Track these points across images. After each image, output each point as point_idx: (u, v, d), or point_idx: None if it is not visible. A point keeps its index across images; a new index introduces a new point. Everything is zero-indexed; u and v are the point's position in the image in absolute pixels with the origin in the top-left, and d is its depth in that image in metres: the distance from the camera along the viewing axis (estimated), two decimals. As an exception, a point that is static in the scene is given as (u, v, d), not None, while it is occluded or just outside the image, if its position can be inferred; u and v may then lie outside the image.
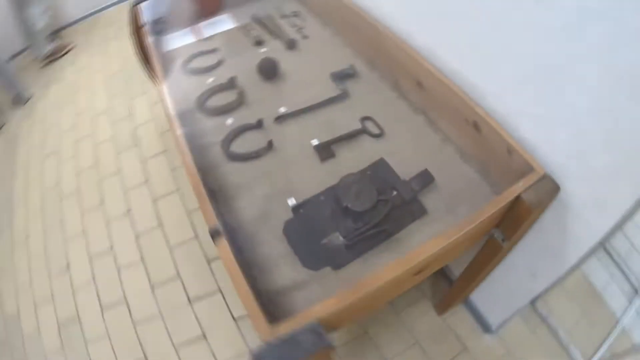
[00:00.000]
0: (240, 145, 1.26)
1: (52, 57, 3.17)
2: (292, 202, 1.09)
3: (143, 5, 1.71)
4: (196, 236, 1.99)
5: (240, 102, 1.39)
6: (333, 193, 1.06)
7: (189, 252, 1.94)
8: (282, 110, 1.35)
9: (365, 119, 1.30)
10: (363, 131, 1.26)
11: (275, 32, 1.69)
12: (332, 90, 1.40)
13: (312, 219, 1.04)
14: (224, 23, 1.77)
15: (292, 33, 1.68)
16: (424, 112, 1.29)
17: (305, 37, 1.65)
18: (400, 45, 1.30)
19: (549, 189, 0.93)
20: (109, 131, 2.51)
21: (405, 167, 1.12)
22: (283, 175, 1.17)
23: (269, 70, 1.46)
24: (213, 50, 1.62)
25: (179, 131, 1.18)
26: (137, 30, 1.73)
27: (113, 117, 2.59)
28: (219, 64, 1.56)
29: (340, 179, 1.05)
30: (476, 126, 1.07)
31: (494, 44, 0.99)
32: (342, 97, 1.38)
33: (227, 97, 1.41)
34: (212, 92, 1.43)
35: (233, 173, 1.19)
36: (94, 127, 2.55)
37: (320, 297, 0.81)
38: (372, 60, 1.48)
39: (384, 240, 0.98)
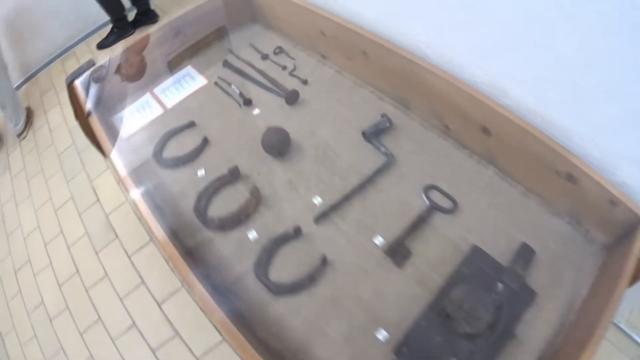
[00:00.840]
0: (282, 270, 0.92)
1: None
2: (383, 335, 0.81)
3: (79, 82, 1.29)
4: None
5: (256, 203, 1.03)
6: (436, 314, 0.81)
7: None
8: (318, 202, 1.01)
9: (428, 189, 0.99)
10: (432, 208, 0.95)
11: (263, 82, 1.31)
12: (370, 157, 1.07)
13: (421, 355, 0.78)
14: (188, 81, 1.38)
15: (285, 79, 1.30)
16: (493, 162, 1.03)
17: (304, 82, 1.29)
18: (451, 81, 0.98)
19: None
20: (79, 226, 2.09)
21: (495, 243, 0.90)
22: (356, 300, 0.86)
23: (279, 146, 1.10)
24: (189, 125, 1.23)
25: (190, 275, 0.83)
26: (80, 113, 1.31)
27: (79, 206, 2.17)
28: (204, 144, 1.18)
29: (444, 296, 0.82)
30: (570, 177, 0.87)
31: (588, 76, 0.77)
32: (388, 163, 1.05)
33: (235, 196, 1.05)
34: (211, 192, 1.07)
35: (288, 314, 0.85)
36: (60, 223, 2.13)
37: None
38: (406, 102, 1.16)
39: (505, 344, 0.78)
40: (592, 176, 0.83)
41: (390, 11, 1.08)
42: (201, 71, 1.38)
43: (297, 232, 0.96)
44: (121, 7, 2.69)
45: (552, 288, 0.84)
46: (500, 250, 0.88)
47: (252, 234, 0.98)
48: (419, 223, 0.94)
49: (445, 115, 1.07)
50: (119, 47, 1.33)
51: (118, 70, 1.31)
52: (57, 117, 2.63)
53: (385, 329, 0.82)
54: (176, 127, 1.23)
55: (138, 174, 1.08)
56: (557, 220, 0.93)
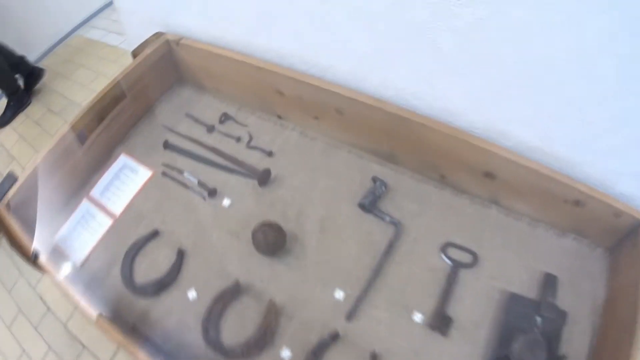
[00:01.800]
0: None
1: None
2: None
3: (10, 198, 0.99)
4: None
5: (276, 317, 0.91)
6: None
7: None
8: (341, 296, 0.91)
9: (445, 248, 0.96)
10: (455, 266, 0.93)
11: (222, 163, 1.14)
12: (375, 229, 1.00)
13: None
14: (128, 174, 1.15)
15: (244, 154, 1.15)
16: (495, 202, 1.02)
17: (269, 153, 1.15)
18: (446, 132, 0.95)
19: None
20: (40, 342, 1.67)
21: (521, 281, 0.91)
22: None
23: (277, 244, 0.97)
24: (152, 236, 1.03)
25: None
26: (16, 243, 1.03)
27: (32, 319, 1.74)
28: (180, 257, 0.99)
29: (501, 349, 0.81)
30: (577, 203, 0.90)
31: (593, 112, 0.80)
32: (398, 232, 0.99)
33: (246, 314, 0.90)
34: (217, 317, 0.90)
35: None
36: (19, 342, 1.70)
37: None
38: (393, 157, 1.09)
39: None
40: (598, 197, 0.87)
41: (368, 63, 0.99)
42: (139, 159, 1.17)
43: (334, 337, 0.85)
44: (13, 80, 2.34)
45: (576, 300, 0.88)
46: (528, 286, 0.90)
47: (286, 353, 0.85)
48: (449, 286, 0.91)
49: (441, 165, 1.02)
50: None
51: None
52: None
53: None
54: (137, 240, 1.02)
55: (115, 311, 0.90)
56: (564, 239, 0.97)
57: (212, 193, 1.08)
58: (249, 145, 1.16)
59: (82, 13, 2.86)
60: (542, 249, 0.95)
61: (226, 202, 1.07)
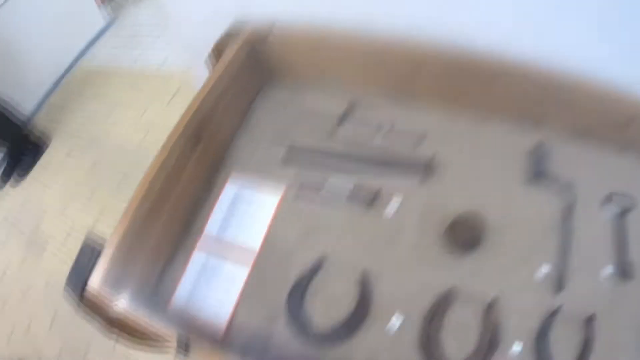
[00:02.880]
0: None
1: None
2: None
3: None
4: None
5: (492, 316, 0.72)
6: None
7: None
8: (545, 271, 0.78)
9: (613, 198, 0.83)
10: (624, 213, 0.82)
11: (361, 164, 0.92)
12: (546, 200, 0.84)
13: None
14: (249, 204, 0.92)
15: (387, 147, 0.93)
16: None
17: (420, 138, 0.93)
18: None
19: None
20: None
21: None
22: None
23: (477, 237, 0.79)
24: (317, 267, 0.81)
25: None
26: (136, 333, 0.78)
27: None
28: (365, 285, 0.78)
29: None
30: None
31: None
32: (569, 197, 0.84)
33: (464, 320, 0.75)
34: (434, 336, 0.72)
35: None
36: None
37: None
38: (540, 123, 0.91)
39: None
40: None
41: (524, 23, 0.80)
42: (254, 186, 0.94)
43: (554, 314, 0.73)
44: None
45: None
46: None
47: (516, 348, 0.72)
48: (623, 234, 0.80)
49: (588, 123, 0.88)
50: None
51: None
52: None
53: None
54: (298, 279, 0.80)
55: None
56: None
57: (370, 200, 0.85)
58: (388, 137, 0.92)
59: (80, 42, 2.56)
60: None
61: (391, 207, 0.85)
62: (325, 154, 0.94)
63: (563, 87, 0.83)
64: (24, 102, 2.21)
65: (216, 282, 0.84)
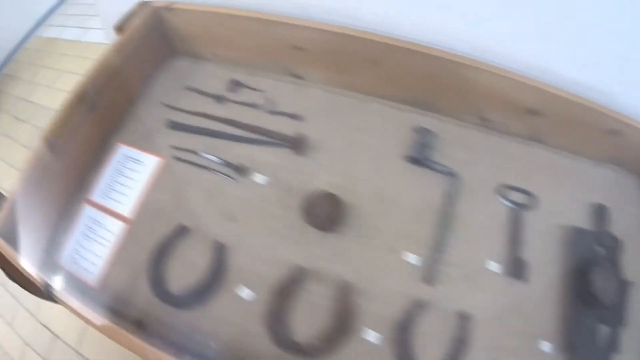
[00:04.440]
0: (430, 351, 0.71)
1: None
2: (547, 346, 0.75)
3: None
4: None
5: (345, 297, 0.78)
6: (581, 301, 0.79)
7: None
8: (414, 260, 0.81)
9: (502, 191, 0.90)
10: (517, 209, 0.88)
11: (244, 135, 0.99)
12: (429, 182, 0.91)
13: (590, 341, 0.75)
14: (133, 166, 0.98)
15: (268, 122, 1.00)
16: (538, 139, 0.97)
17: (296, 117, 1.01)
18: (494, 71, 0.87)
19: None
20: None
21: (577, 215, 0.88)
22: (511, 331, 0.77)
23: (336, 216, 0.84)
24: (180, 232, 0.87)
25: None
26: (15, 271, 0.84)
27: (39, 350, 1.56)
28: (220, 252, 0.84)
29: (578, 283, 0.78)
30: (615, 132, 0.88)
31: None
32: (453, 182, 0.90)
33: (314, 301, 0.79)
34: (281, 312, 0.78)
35: None
36: None
37: None
38: (432, 106, 0.99)
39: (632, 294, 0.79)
40: (634, 123, 0.85)
41: (401, 3, 0.86)
42: (141, 146, 1.00)
43: (419, 306, 0.76)
44: None
45: (628, 229, 0.86)
46: (583, 218, 0.87)
47: (372, 335, 0.75)
48: (515, 230, 0.85)
49: (484, 107, 0.94)
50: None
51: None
52: None
53: (546, 339, 0.75)
54: (162, 241, 0.86)
55: (155, 333, 0.75)
56: (605, 170, 0.94)
57: (241, 171, 0.92)
58: (270, 112, 1.00)
59: (36, 13, 2.58)
60: (587, 181, 0.94)
61: (260, 178, 0.92)
62: (204, 121, 1.02)
63: (460, 72, 0.88)
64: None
65: (97, 238, 0.91)
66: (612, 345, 0.76)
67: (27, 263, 0.79)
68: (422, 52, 0.87)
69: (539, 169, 0.93)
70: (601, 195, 0.90)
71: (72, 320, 1.47)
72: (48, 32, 2.60)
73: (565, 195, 0.90)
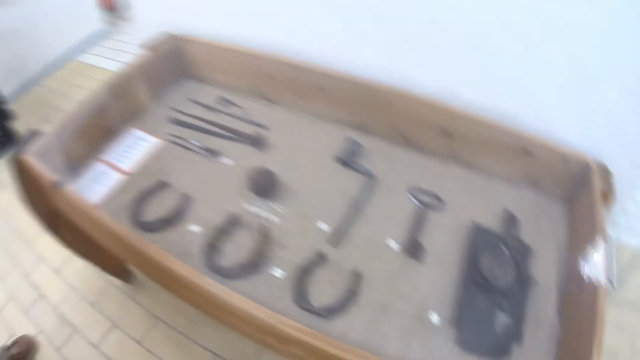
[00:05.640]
0: (320, 295, 0.97)
1: None
2: (436, 318, 0.92)
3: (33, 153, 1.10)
4: None
5: (268, 242, 1.08)
6: (471, 283, 0.96)
7: None
8: (325, 228, 1.09)
9: (413, 191, 1.16)
10: (424, 207, 1.13)
11: (222, 133, 1.35)
12: (352, 180, 1.21)
13: (476, 320, 0.91)
14: (139, 142, 1.33)
15: (240, 126, 1.37)
16: (454, 158, 1.22)
17: (262, 127, 1.37)
18: (410, 96, 1.17)
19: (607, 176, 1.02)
20: (29, 326, 1.71)
21: (484, 220, 1.08)
22: (399, 298, 0.97)
23: (271, 184, 1.16)
24: (161, 186, 1.19)
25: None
26: (36, 189, 1.13)
27: (23, 304, 1.80)
28: (186, 201, 1.15)
29: (471, 268, 0.97)
30: (526, 151, 1.08)
31: (526, 67, 1.05)
32: (370, 180, 1.20)
33: (242, 243, 1.07)
34: (214, 243, 1.06)
35: (348, 332, 0.91)
36: (10, 326, 1.71)
37: None
38: (365, 126, 1.32)
39: (530, 291, 0.95)
40: (544, 144, 1.05)
41: (341, 45, 1.26)
42: (149, 131, 1.36)
43: (321, 257, 1.03)
44: None
45: (540, 240, 1.03)
46: (491, 223, 1.07)
47: (278, 272, 1.01)
48: (419, 220, 1.09)
49: (405, 128, 1.24)
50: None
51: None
52: None
53: (436, 312, 0.93)
54: (146, 188, 1.18)
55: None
56: (521, 190, 1.15)
57: (215, 154, 1.28)
58: (245, 121, 1.38)
59: (78, 41, 3.11)
60: (501, 196, 1.13)
61: (227, 161, 1.27)
62: (198, 124, 1.39)
63: (384, 97, 1.18)
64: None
65: (103, 180, 1.22)
66: (513, 335, 0.85)
67: (51, 172, 1.06)
68: (353, 81, 1.22)
69: (453, 182, 1.16)
70: (512, 207, 1.08)
71: (58, 284, 1.75)
72: (85, 58, 3.11)
73: (476, 205, 1.10)
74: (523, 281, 0.93)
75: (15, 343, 1.60)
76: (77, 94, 2.76)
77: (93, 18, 3.24)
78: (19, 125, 2.44)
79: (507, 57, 1.05)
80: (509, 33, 1.01)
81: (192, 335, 1.58)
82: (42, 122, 2.53)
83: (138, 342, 1.59)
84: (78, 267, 1.82)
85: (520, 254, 0.98)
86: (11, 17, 2.61)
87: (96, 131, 1.29)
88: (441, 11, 1.07)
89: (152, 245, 0.93)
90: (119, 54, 3.05)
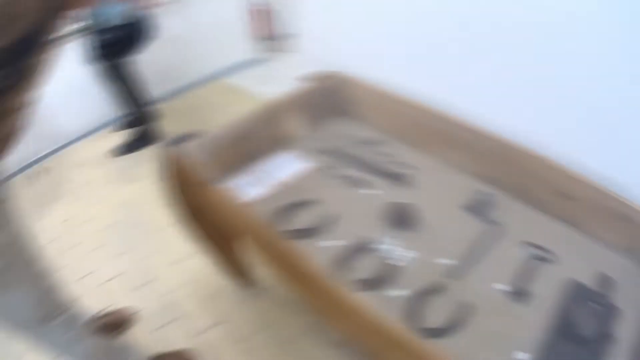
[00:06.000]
0: None
1: None
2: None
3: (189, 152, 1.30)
4: None
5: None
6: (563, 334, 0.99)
7: None
8: (446, 262, 1.20)
9: (527, 244, 1.23)
10: (534, 260, 1.19)
11: (364, 166, 1.52)
12: (476, 225, 1.30)
13: None
14: (291, 164, 1.53)
15: (384, 164, 1.53)
16: (565, 218, 1.27)
17: (404, 167, 1.50)
18: (539, 158, 1.25)
19: None
20: (132, 303, 1.86)
21: (583, 277, 1.11)
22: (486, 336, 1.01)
23: (400, 220, 1.30)
24: (306, 203, 1.37)
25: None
26: (187, 185, 1.35)
27: (132, 283, 2.00)
28: (335, 219, 1.32)
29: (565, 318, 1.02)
30: (626, 218, 1.10)
31: None
32: (492, 230, 1.29)
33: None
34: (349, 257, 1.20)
35: None
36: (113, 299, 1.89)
37: None
38: (494, 179, 1.42)
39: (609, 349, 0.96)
40: None
41: (495, 106, 1.40)
42: (296, 157, 1.58)
43: (439, 287, 1.14)
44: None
45: (630, 304, 1.03)
46: (587, 281, 1.10)
47: (396, 292, 1.13)
48: (528, 271, 1.16)
49: (531, 187, 1.32)
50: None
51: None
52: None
53: (522, 351, 0.95)
54: (286, 203, 1.37)
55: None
56: (620, 255, 1.16)
57: (358, 184, 1.47)
58: (388, 159, 1.56)
59: (226, 61, 3.56)
60: (602, 260, 1.15)
61: (367, 191, 1.46)
62: (345, 156, 1.59)
63: (517, 156, 1.28)
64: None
65: (247, 190, 1.43)
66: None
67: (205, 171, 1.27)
68: (496, 139, 1.34)
69: (560, 238, 1.22)
70: (609, 270, 1.11)
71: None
72: (232, 79, 3.53)
73: (577, 261, 1.15)
74: (605, 337, 0.97)
75: (109, 314, 1.70)
76: (219, 110, 3.11)
77: (244, 48, 3.67)
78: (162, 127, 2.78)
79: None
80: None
81: (297, 347, 1.62)
82: (181, 128, 2.88)
83: (239, 342, 1.65)
84: (196, 265, 1.94)
85: (609, 313, 1.02)
86: (180, 25, 3.07)
87: (246, 147, 1.53)
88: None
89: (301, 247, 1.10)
90: (267, 81, 3.35)
